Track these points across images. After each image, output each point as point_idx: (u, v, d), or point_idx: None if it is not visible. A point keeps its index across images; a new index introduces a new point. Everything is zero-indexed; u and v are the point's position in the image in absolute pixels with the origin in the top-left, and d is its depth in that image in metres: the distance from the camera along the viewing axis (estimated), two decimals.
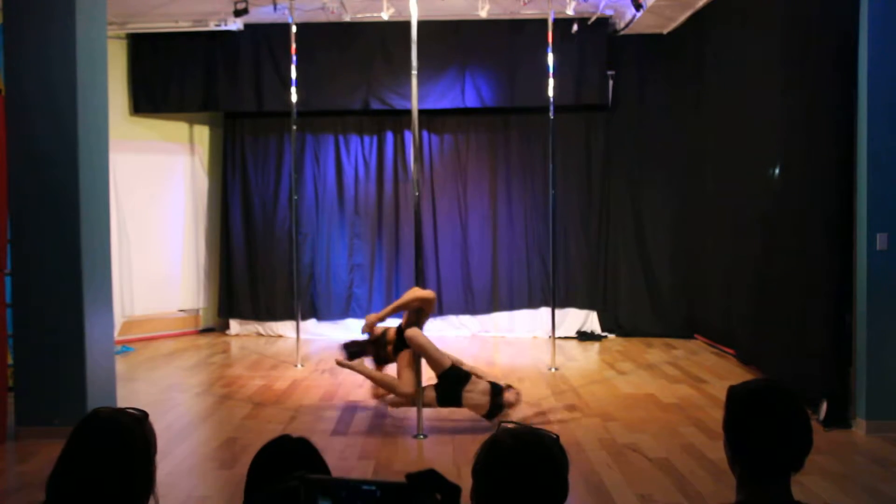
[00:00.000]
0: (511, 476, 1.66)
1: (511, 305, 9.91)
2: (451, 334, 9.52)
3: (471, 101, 9.60)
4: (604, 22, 9.29)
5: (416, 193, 5.86)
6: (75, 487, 1.82)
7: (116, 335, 7.91)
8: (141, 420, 1.93)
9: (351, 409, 6.37)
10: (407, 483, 1.61)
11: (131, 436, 1.89)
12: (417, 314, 5.92)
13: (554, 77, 8.07)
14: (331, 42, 9.51)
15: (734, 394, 1.99)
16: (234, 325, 10.20)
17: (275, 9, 8.44)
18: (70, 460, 1.85)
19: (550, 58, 8.00)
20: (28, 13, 5.58)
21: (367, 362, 6.08)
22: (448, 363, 5.80)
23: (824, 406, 5.61)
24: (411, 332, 5.75)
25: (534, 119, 9.47)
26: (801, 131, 6.30)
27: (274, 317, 10.04)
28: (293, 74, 8.33)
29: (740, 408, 1.95)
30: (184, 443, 5.48)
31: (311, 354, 8.79)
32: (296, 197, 8.69)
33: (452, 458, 5.08)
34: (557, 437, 1.75)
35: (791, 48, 6.51)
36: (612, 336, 9.68)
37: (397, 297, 9.76)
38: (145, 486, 1.89)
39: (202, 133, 10.40)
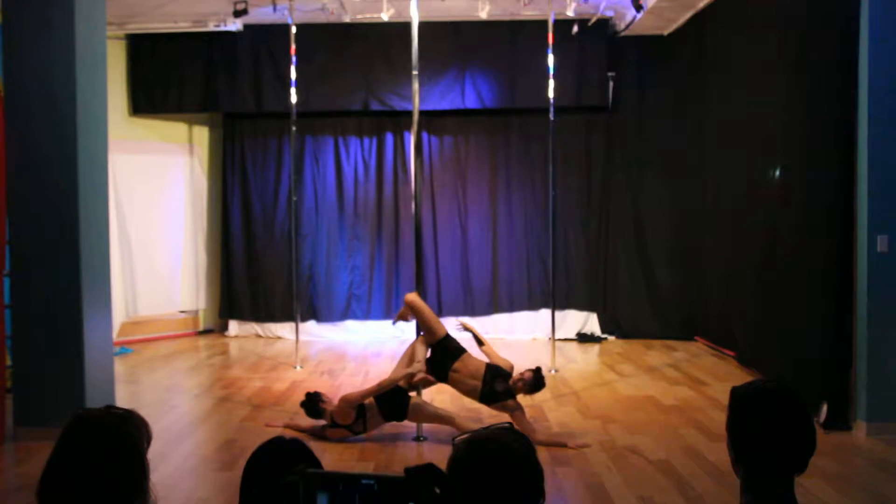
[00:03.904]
0: (482, 485, 1.64)
1: (511, 307, 9.91)
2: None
3: (471, 102, 9.60)
4: (604, 23, 9.29)
5: (417, 195, 5.85)
6: (65, 490, 1.82)
7: (115, 336, 7.89)
8: (126, 418, 1.92)
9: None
10: (405, 477, 1.61)
11: (119, 435, 1.88)
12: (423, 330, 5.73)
13: (554, 78, 8.06)
14: (330, 43, 9.50)
15: (737, 395, 1.98)
16: (233, 327, 10.18)
17: (274, 9, 8.43)
18: (58, 463, 1.85)
19: (551, 59, 7.99)
20: (28, 14, 5.56)
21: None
22: (443, 333, 5.64)
23: (824, 408, 5.60)
24: (411, 296, 5.68)
25: (534, 120, 9.46)
26: (801, 132, 6.30)
27: (273, 318, 10.03)
28: (293, 75, 8.32)
29: (744, 408, 1.94)
30: (183, 444, 5.46)
31: (311, 356, 8.78)
32: (295, 198, 8.68)
33: None
34: (510, 424, 1.75)
35: (791, 49, 6.50)
36: (611, 338, 9.67)
37: (397, 298, 9.86)
38: (136, 485, 1.88)
39: (201, 134, 10.39)
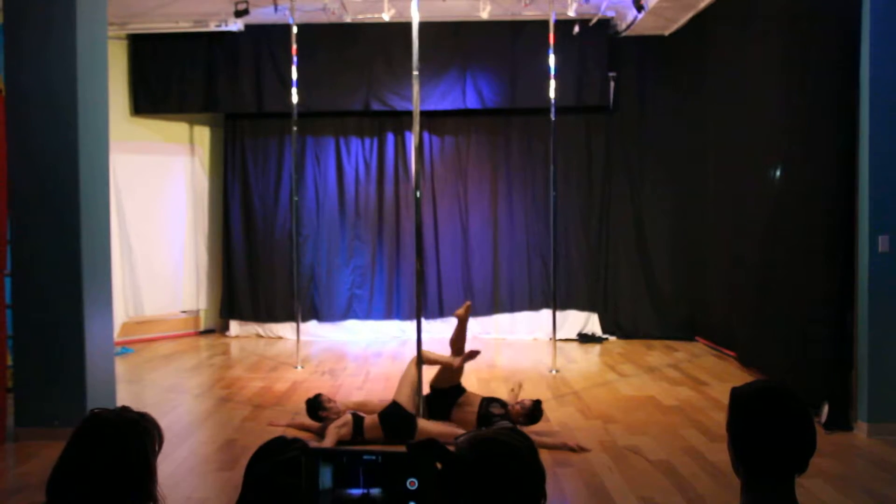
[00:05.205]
0: (483, 484, 1.63)
1: (512, 307, 9.90)
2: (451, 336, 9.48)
3: (472, 102, 9.60)
4: (605, 23, 9.29)
5: (418, 195, 5.85)
6: (75, 488, 1.82)
7: (116, 336, 7.89)
8: (139, 422, 1.93)
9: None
10: (408, 452, 1.62)
11: (131, 436, 1.89)
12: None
13: (555, 78, 8.05)
14: (331, 43, 9.50)
15: (737, 395, 1.98)
16: (234, 327, 10.18)
17: (275, 10, 8.44)
18: (70, 461, 1.86)
19: (552, 59, 7.98)
20: (29, 13, 5.57)
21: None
22: (459, 380, 5.89)
23: (825, 408, 5.60)
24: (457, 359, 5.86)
25: (535, 120, 9.46)
26: (802, 133, 6.29)
27: (274, 318, 10.03)
28: (294, 75, 8.31)
29: (743, 409, 1.94)
30: (184, 444, 5.47)
31: (312, 356, 8.78)
32: (296, 198, 8.68)
33: None
34: (514, 425, 1.75)
35: (792, 49, 6.50)
36: (612, 338, 9.66)
37: (398, 298, 9.88)
38: (145, 485, 1.89)
39: (202, 134, 10.39)
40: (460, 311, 6.10)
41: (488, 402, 5.68)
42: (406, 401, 5.54)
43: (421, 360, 5.67)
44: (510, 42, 9.47)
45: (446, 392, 5.78)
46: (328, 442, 5.26)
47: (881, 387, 5.45)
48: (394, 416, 5.45)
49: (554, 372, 7.73)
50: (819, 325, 5.86)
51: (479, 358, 6.08)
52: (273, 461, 1.75)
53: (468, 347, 6.06)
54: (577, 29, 8.93)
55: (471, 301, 9.74)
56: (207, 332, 10.37)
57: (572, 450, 5.22)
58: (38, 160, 5.55)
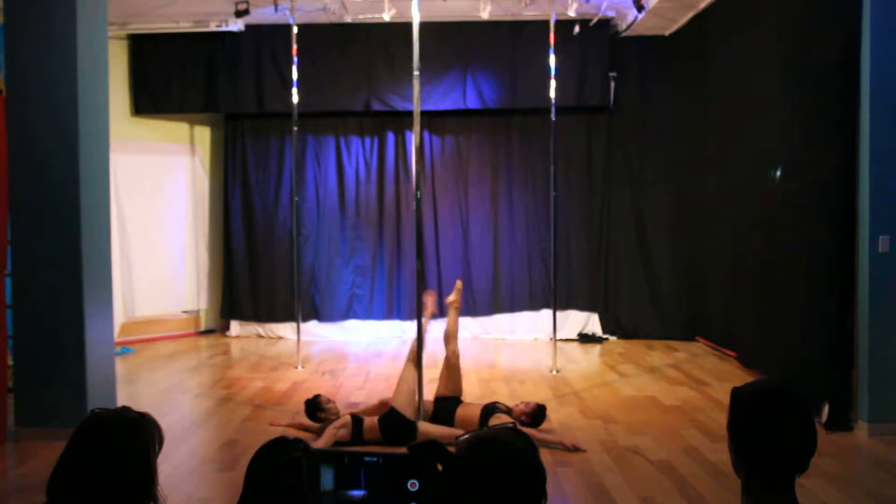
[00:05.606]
0: (484, 484, 1.63)
1: (512, 307, 9.90)
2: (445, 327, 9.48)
3: (472, 102, 9.60)
4: (605, 23, 9.28)
5: (419, 195, 5.84)
6: (76, 488, 1.83)
7: (116, 336, 7.89)
8: (139, 421, 1.93)
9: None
10: (409, 454, 1.62)
11: (131, 436, 1.89)
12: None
13: (555, 78, 8.05)
14: (332, 43, 9.51)
15: (738, 395, 1.98)
16: (235, 327, 10.18)
17: (276, 10, 8.43)
18: (70, 461, 1.86)
19: (552, 59, 7.98)
20: (29, 14, 5.57)
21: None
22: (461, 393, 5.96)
23: (826, 409, 5.60)
24: (455, 350, 5.89)
25: (535, 120, 9.47)
26: (803, 133, 6.29)
27: (274, 318, 10.03)
28: (294, 75, 8.32)
29: (744, 409, 1.94)
30: (184, 444, 5.47)
31: (312, 356, 8.78)
32: (297, 198, 8.68)
33: None
34: (514, 424, 1.76)
35: (793, 49, 6.50)
36: (613, 338, 9.66)
37: (399, 298, 9.88)
38: (146, 485, 1.89)
39: (203, 134, 10.39)
40: (452, 296, 6.05)
41: (492, 402, 5.74)
42: (403, 405, 5.51)
43: (420, 359, 5.64)
44: (510, 42, 9.47)
45: (447, 400, 5.78)
46: (322, 442, 5.23)
47: (881, 387, 5.46)
48: (393, 422, 5.43)
49: (554, 372, 7.73)
50: (819, 324, 5.86)
51: (479, 358, 6.07)
52: (274, 462, 1.76)
53: (467, 347, 6.05)
54: (577, 29, 8.92)
55: (471, 300, 9.86)
56: (208, 332, 10.37)
57: (568, 449, 5.22)
58: (38, 160, 5.55)
